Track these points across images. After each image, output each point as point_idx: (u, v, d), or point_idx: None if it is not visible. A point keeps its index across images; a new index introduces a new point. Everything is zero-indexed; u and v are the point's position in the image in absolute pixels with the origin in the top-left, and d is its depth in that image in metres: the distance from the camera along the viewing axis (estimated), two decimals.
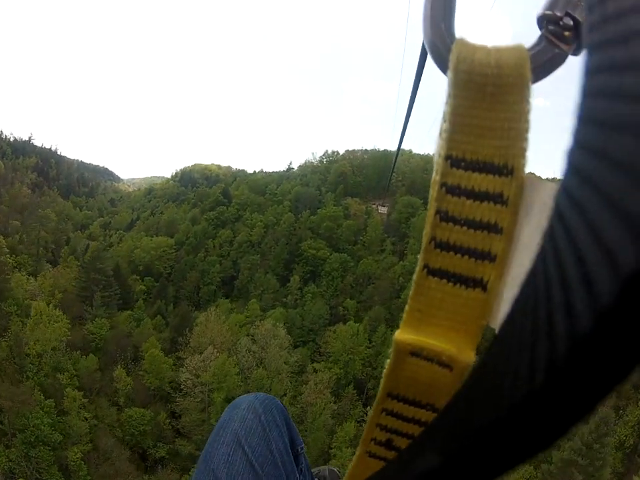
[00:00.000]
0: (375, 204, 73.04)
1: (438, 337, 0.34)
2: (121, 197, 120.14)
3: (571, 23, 0.37)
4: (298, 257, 62.97)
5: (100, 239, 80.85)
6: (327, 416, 36.29)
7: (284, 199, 78.79)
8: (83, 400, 37.83)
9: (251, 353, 41.27)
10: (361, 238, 65.70)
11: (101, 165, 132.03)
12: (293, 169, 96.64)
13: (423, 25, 0.41)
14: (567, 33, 0.38)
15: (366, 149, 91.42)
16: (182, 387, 41.47)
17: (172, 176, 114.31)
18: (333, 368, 43.96)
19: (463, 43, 0.35)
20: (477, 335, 0.37)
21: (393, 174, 65.30)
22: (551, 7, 0.39)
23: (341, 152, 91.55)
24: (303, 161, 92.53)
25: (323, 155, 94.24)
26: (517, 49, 0.36)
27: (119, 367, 43.64)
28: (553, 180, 0.32)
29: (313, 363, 46.70)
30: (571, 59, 0.39)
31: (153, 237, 77.73)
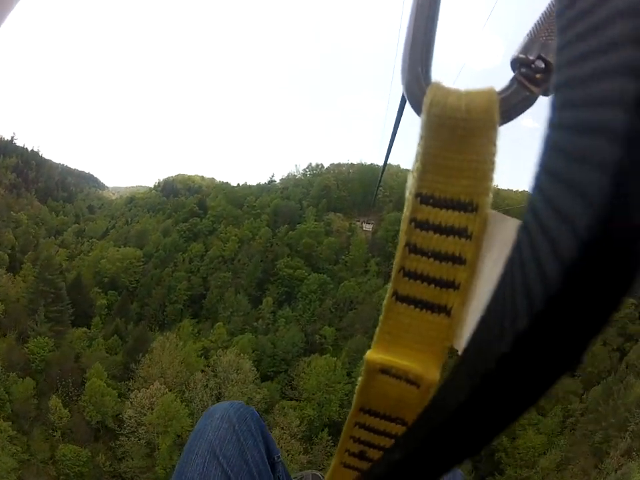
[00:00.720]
0: (359, 220, 67.55)
1: (406, 357, 0.36)
2: (102, 205, 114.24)
3: (543, 65, 0.40)
4: (273, 276, 56.98)
5: (72, 247, 75.97)
6: (295, 471, 29.91)
7: (262, 212, 73.02)
8: (12, 431, 32.71)
9: (208, 389, 34.86)
10: (343, 257, 60.02)
11: (87, 171, 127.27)
12: (275, 181, 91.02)
13: (401, 67, 0.42)
14: (538, 76, 0.40)
15: (352, 163, 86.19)
16: (126, 425, 34.96)
17: (154, 186, 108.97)
18: (306, 408, 37.80)
19: (437, 87, 0.37)
20: (441, 355, 0.40)
21: (380, 188, 59.92)
22: (524, 50, 0.41)
23: (326, 165, 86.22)
24: (285, 174, 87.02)
25: (307, 168, 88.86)
26: (487, 93, 0.37)
27: (54, 395, 37.24)
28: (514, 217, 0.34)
29: (283, 399, 40.45)
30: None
31: (120, 247, 71.43)
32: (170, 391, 34.75)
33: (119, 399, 38.57)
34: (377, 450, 0.50)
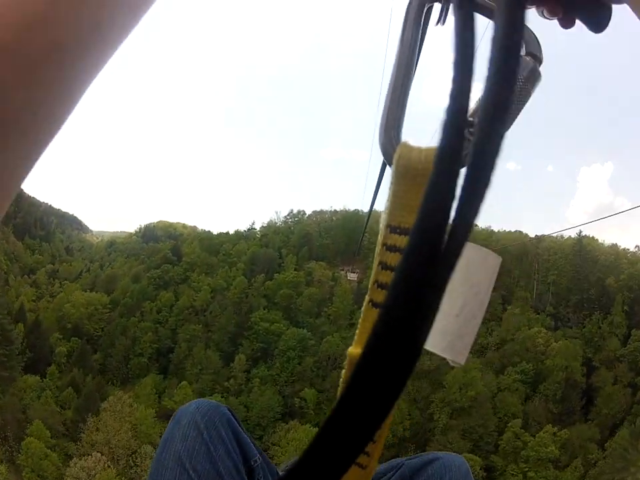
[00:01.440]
0: (343, 269, 63.08)
1: None
2: (82, 247, 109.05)
3: None
4: (247, 331, 51.58)
5: (43, 287, 71.45)
6: None
7: (238, 260, 68.21)
8: None
9: None
10: (326, 309, 55.19)
11: (70, 213, 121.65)
12: (255, 229, 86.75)
13: (379, 131, 0.53)
14: None
15: (335, 210, 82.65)
16: None
17: (135, 231, 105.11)
18: None
19: (404, 145, 0.46)
20: None
21: (365, 234, 55.98)
22: (472, 114, 0.49)
23: (308, 212, 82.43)
24: (266, 221, 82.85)
25: (288, 215, 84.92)
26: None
27: None
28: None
29: None
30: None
31: (87, 291, 65.82)
32: (113, 464, 28.69)
33: (64, 462, 32.47)
34: None
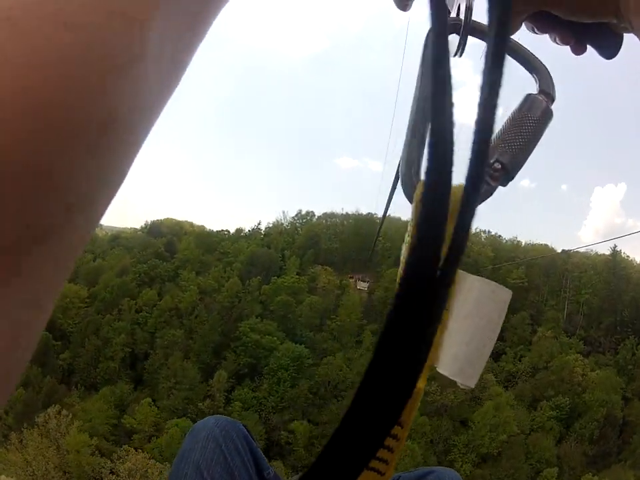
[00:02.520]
0: (352, 277, 54.62)
1: None
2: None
3: (500, 166, 0.55)
4: (234, 341, 43.27)
5: None
6: None
7: (235, 259, 60.30)
8: None
9: None
10: (329, 322, 46.74)
11: None
12: (260, 229, 78.91)
13: (400, 167, 0.54)
14: (496, 174, 0.55)
15: (347, 213, 74.10)
16: None
17: (141, 227, 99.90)
18: None
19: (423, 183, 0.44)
20: (426, 370, 0.48)
21: (379, 238, 47.72)
22: None
23: (318, 213, 74.29)
24: (272, 221, 75.16)
25: (296, 216, 76.78)
26: (458, 188, 0.42)
27: None
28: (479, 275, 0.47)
29: None
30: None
31: (68, 282, 58.73)
32: None
33: None
34: (382, 448, 0.49)
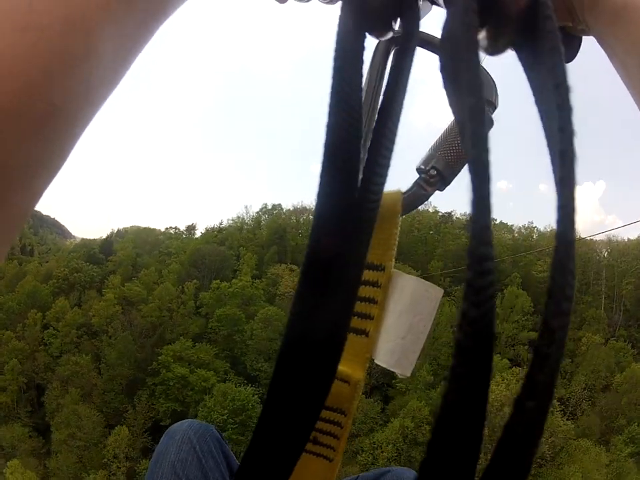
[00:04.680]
0: None
1: (341, 364, 0.42)
2: (49, 250, 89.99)
3: (435, 173, 0.62)
4: (150, 376, 29.13)
5: None
6: None
7: (176, 260, 46.48)
8: None
9: None
10: None
11: (52, 217, 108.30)
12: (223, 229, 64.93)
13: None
14: (432, 180, 0.62)
15: None
16: None
17: (107, 236, 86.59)
18: None
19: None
20: (364, 362, 0.57)
21: None
22: (424, 163, 0.64)
23: (287, 206, 60.69)
24: (234, 216, 61.29)
25: (261, 210, 62.86)
26: (395, 194, 0.56)
27: None
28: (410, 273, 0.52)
29: None
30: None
31: None
32: None
33: None
34: (325, 435, 0.60)
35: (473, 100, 0.22)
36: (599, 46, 0.45)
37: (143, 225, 71.46)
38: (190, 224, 65.11)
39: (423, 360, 28.95)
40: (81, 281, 47.59)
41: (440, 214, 50.49)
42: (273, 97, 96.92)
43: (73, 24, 0.24)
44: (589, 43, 0.46)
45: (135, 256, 51.84)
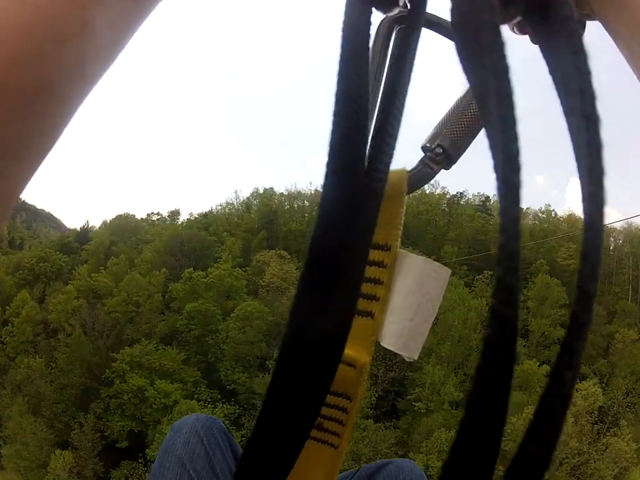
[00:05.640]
0: None
1: (346, 347, 0.41)
2: (41, 243, 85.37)
3: (441, 151, 0.61)
4: (104, 387, 24.01)
5: None
6: None
7: (153, 248, 41.34)
8: None
9: None
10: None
11: (47, 210, 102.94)
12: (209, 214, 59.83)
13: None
14: (438, 158, 0.61)
15: (317, 189, 54.33)
16: None
17: (99, 227, 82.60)
18: None
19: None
20: (370, 345, 0.55)
21: None
22: (430, 141, 0.62)
23: (280, 190, 55.31)
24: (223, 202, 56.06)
25: (251, 195, 57.40)
26: (400, 172, 0.56)
27: None
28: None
29: None
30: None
31: None
32: None
33: None
34: (330, 420, 0.58)
35: (499, 83, 0.21)
36: (604, 30, 0.44)
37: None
38: (173, 209, 59.88)
39: (448, 370, 23.60)
40: (47, 272, 42.59)
41: (448, 195, 45.40)
42: (267, 77, 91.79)
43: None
44: (590, 28, 0.45)
45: (109, 244, 46.79)
